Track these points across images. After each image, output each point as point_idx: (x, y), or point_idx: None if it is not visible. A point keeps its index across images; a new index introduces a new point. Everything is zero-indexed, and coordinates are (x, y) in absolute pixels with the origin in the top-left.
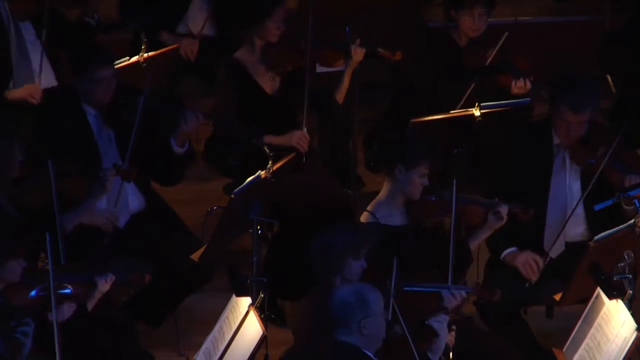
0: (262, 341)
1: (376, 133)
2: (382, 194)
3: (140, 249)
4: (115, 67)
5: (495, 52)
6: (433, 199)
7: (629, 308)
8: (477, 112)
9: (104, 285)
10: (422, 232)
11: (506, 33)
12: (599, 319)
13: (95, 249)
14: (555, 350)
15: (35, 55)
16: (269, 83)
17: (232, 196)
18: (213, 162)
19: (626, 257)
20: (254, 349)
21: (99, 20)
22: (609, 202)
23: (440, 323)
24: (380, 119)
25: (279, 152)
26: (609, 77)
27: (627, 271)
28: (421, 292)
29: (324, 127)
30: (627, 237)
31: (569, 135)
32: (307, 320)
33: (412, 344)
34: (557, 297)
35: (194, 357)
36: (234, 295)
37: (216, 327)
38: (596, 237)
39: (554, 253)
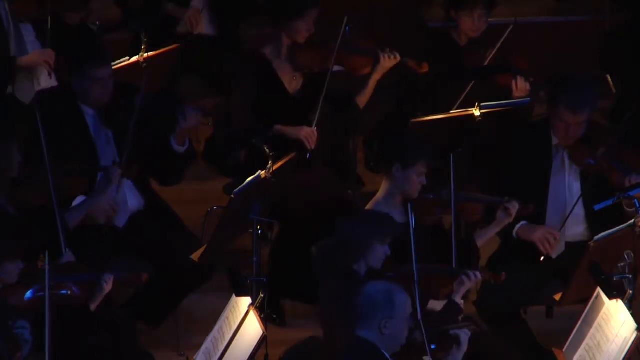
0: (262, 341)
1: (376, 133)
2: (380, 193)
3: (140, 248)
4: (116, 67)
5: (495, 52)
6: (431, 197)
7: (629, 308)
8: (477, 112)
9: (108, 285)
10: (422, 230)
11: (506, 33)
12: (599, 319)
13: (94, 247)
14: (555, 350)
15: None
16: (291, 82)
17: (232, 196)
18: (213, 162)
19: (626, 257)
20: (254, 349)
21: (100, 27)
22: (609, 202)
23: (466, 335)
24: (380, 119)
25: (278, 152)
26: (609, 77)
27: (627, 271)
28: (437, 273)
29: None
30: (627, 237)
31: (568, 135)
32: (329, 311)
33: (428, 349)
34: (557, 297)
35: (194, 357)
36: (234, 295)
37: (216, 327)
38: (596, 237)
39: (554, 253)
